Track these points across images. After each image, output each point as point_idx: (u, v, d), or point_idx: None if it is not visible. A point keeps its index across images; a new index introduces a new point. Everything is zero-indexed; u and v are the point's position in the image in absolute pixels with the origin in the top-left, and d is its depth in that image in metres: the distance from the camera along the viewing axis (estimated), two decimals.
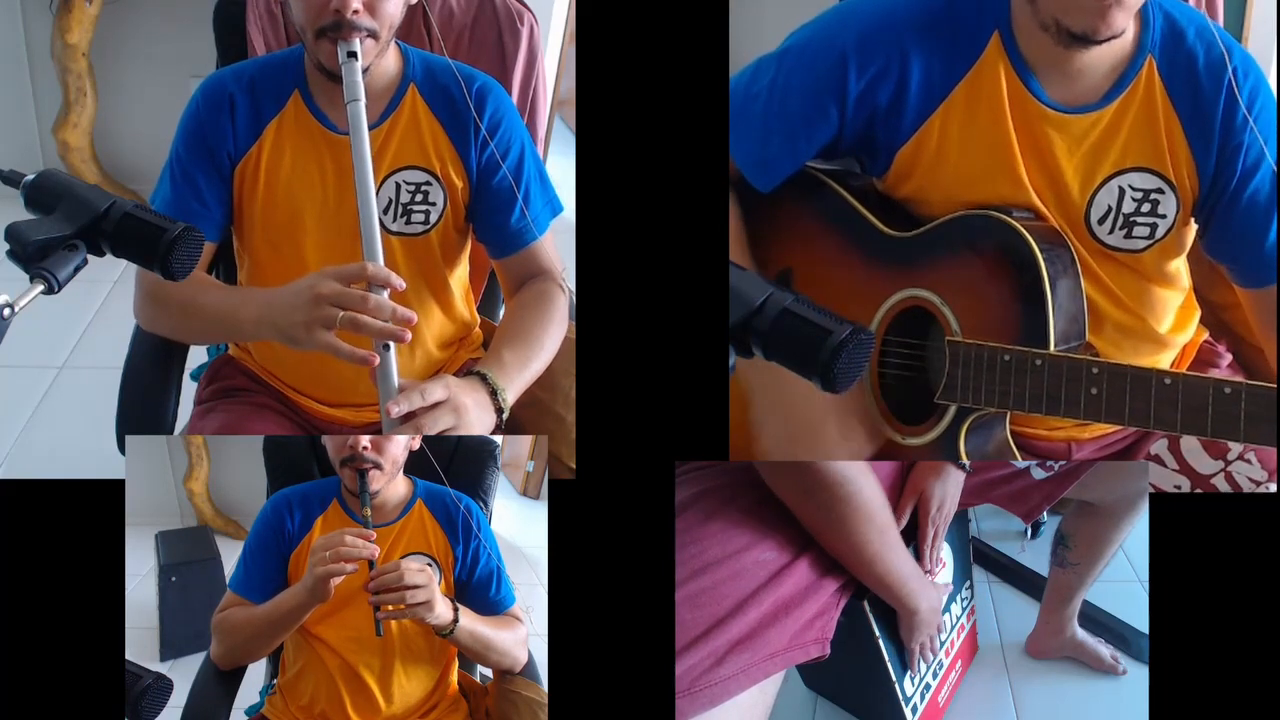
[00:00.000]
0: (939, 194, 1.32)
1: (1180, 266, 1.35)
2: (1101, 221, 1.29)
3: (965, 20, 1.28)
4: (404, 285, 1.27)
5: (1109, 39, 1.19)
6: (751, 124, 1.36)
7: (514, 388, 1.37)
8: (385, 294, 1.25)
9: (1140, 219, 1.29)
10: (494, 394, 1.34)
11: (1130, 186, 1.28)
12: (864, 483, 1.27)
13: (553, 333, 1.46)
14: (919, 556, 1.46)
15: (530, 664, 1.52)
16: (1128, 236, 1.30)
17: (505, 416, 1.35)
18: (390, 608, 1.36)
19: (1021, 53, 1.26)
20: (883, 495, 1.31)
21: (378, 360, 1.24)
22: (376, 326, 1.23)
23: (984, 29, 1.27)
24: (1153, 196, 1.28)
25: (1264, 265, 1.30)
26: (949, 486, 1.43)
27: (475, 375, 1.35)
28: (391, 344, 1.26)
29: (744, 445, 1.40)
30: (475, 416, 1.30)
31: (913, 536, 1.45)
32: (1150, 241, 1.30)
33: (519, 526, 3.06)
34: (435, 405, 1.27)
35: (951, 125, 1.29)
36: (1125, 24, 1.18)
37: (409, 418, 1.26)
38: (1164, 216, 1.29)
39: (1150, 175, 1.28)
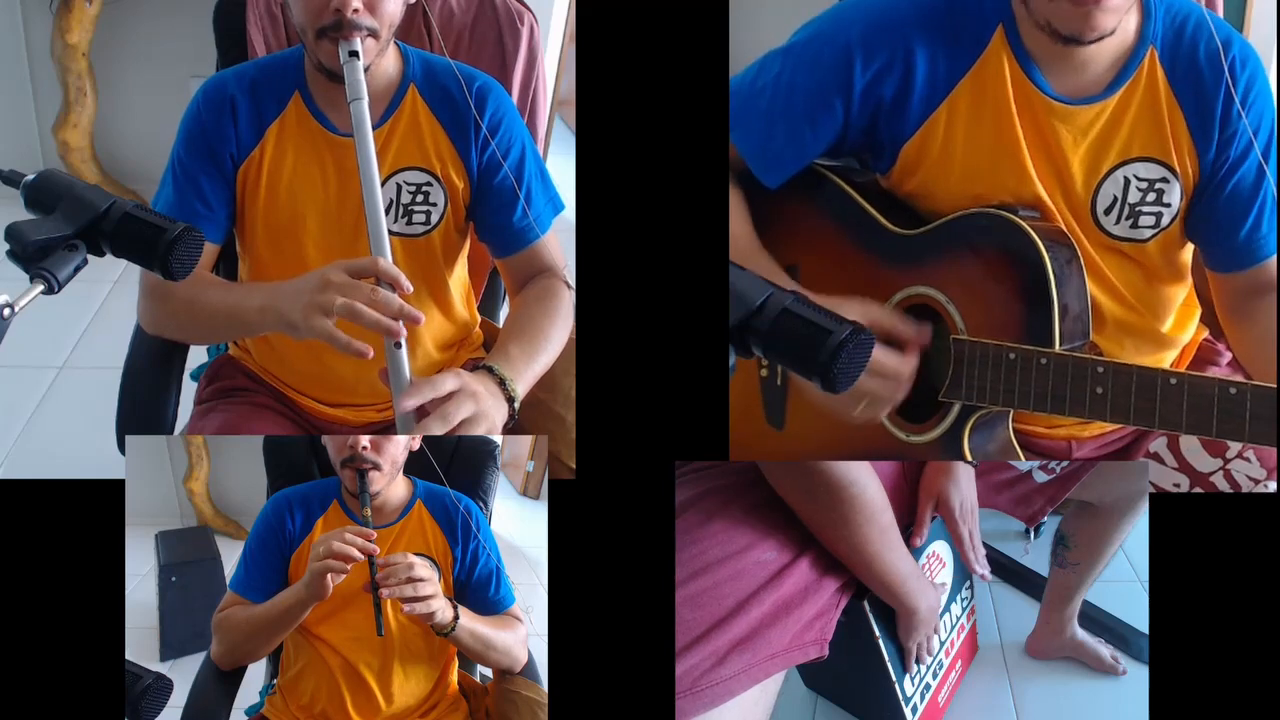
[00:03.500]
0: (944, 189, 1.32)
1: (1185, 259, 1.36)
2: (1108, 212, 1.30)
3: (969, 14, 1.28)
4: (411, 288, 1.26)
5: (1099, 39, 1.20)
6: (757, 119, 1.36)
7: (523, 380, 1.36)
8: (394, 293, 1.25)
9: (1146, 208, 1.30)
10: (503, 384, 1.33)
11: (1135, 176, 1.29)
12: (866, 483, 1.27)
13: (559, 327, 1.46)
14: (965, 561, 1.47)
15: (530, 664, 1.51)
16: (1134, 226, 1.30)
17: (517, 407, 1.34)
18: (398, 599, 1.36)
19: (1025, 46, 1.27)
20: (885, 495, 1.31)
21: (371, 352, 1.23)
22: (372, 317, 1.22)
23: (988, 23, 1.28)
24: (1157, 186, 1.29)
25: (1236, 253, 1.32)
26: (963, 485, 1.43)
27: (482, 368, 1.35)
28: (403, 342, 1.25)
29: (750, 439, 1.40)
30: (491, 404, 1.29)
31: (909, 538, 1.46)
32: (1156, 230, 1.31)
33: (519, 526, 3.06)
34: (451, 395, 1.25)
35: (957, 119, 1.29)
36: (1113, 24, 1.19)
37: (423, 412, 1.25)
38: (1169, 205, 1.30)
39: (1155, 165, 1.28)
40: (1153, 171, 1.29)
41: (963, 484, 1.42)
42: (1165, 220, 1.30)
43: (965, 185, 1.31)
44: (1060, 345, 1.22)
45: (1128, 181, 1.29)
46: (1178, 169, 1.28)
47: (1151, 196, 1.29)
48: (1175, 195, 1.29)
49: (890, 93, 1.30)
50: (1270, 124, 1.27)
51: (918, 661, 1.51)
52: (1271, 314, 1.31)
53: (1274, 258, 1.32)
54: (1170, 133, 1.27)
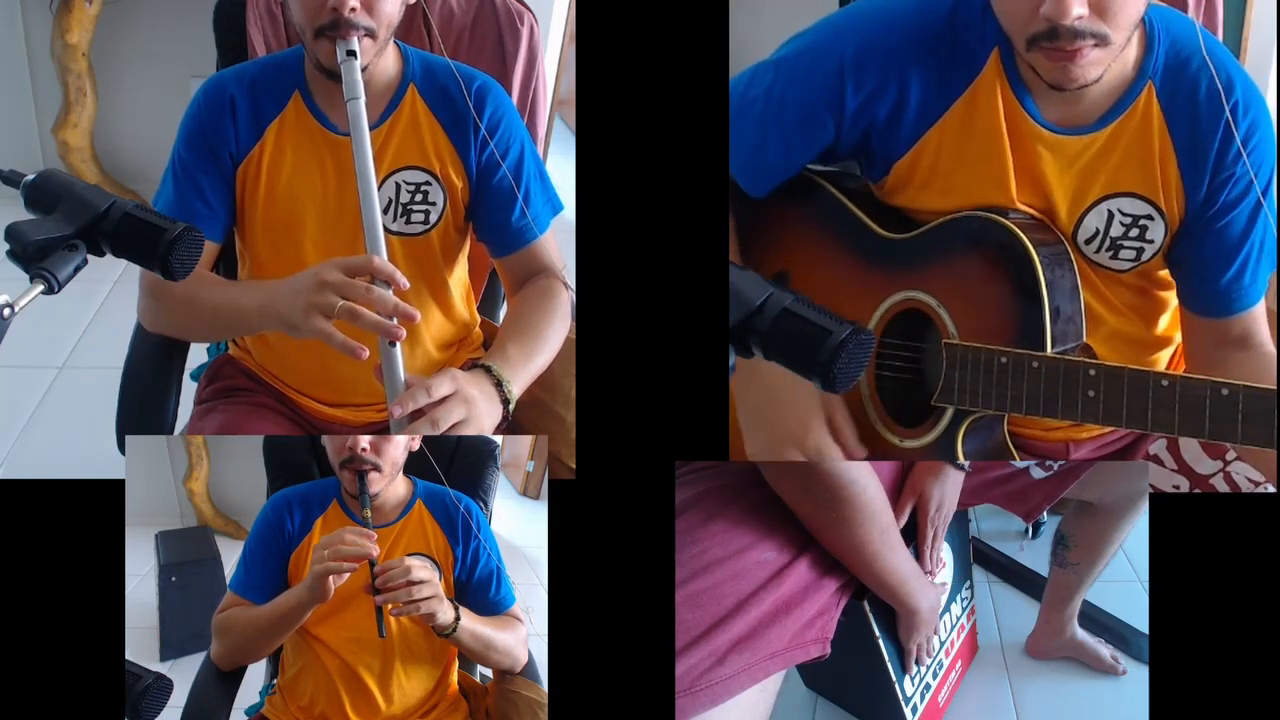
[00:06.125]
0: (932, 205, 1.32)
1: (1166, 276, 1.34)
2: (1089, 242, 1.29)
3: (966, 38, 1.27)
4: (408, 284, 1.26)
5: (1083, 87, 1.18)
6: (745, 130, 1.36)
7: (519, 381, 1.37)
8: (389, 290, 1.25)
9: (1127, 243, 1.28)
10: (499, 385, 1.34)
11: (1120, 211, 1.27)
12: (866, 483, 1.27)
13: (556, 327, 1.46)
14: (919, 557, 1.46)
15: (530, 664, 1.52)
16: (1113, 258, 1.29)
17: (511, 409, 1.34)
18: (396, 605, 1.36)
19: (1019, 72, 1.26)
20: (884, 495, 1.31)
21: (366, 353, 1.23)
22: (372, 319, 1.22)
23: (984, 46, 1.26)
24: (1141, 222, 1.27)
25: (1214, 298, 1.29)
26: (947, 487, 1.43)
27: (480, 368, 1.35)
28: (397, 341, 1.26)
29: (740, 446, 1.40)
30: (484, 409, 1.30)
31: (912, 537, 1.45)
32: (1134, 264, 1.30)
33: (519, 526, 3.06)
34: (444, 399, 1.26)
35: (947, 140, 1.29)
36: (1095, 75, 1.17)
37: (417, 415, 1.25)
38: (1151, 242, 1.28)
39: (1140, 201, 1.27)
40: (1138, 208, 1.27)
41: (947, 485, 1.42)
42: (1146, 255, 1.29)
43: (951, 204, 1.30)
44: (1052, 347, 1.22)
45: (1111, 215, 1.27)
46: (1164, 207, 1.27)
47: (1135, 232, 1.28)
48: (1159, 233, 1.28)
49: (883, 113, 1.29)
50: (1270, 171, 1.25)
51: (918, 662, 1.51)
52: (1241, 371, 1.24)
53: (1251, 310, 1.29)
54: (1160, 170, 1.25)
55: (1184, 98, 1.24)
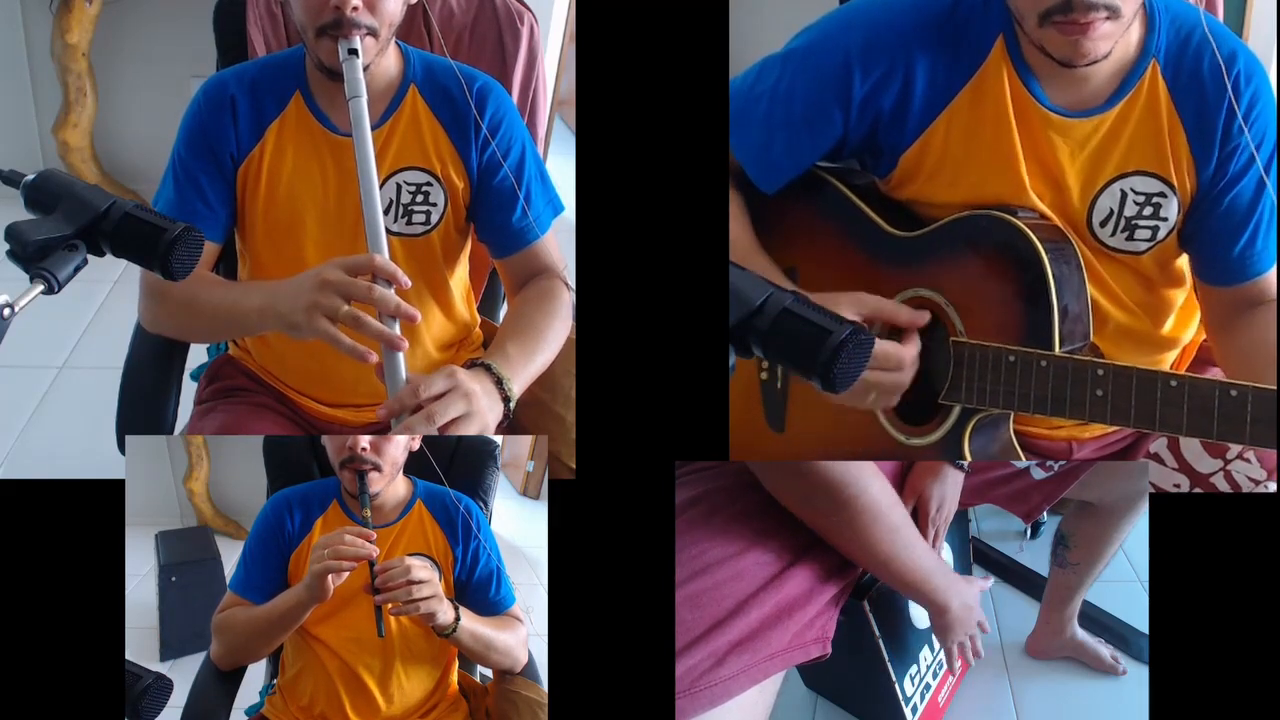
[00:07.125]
0: (941, 197, 1.32)
1: (1183, 264, 1.35)
2: (1103, 224, 1.29)
3: (970, 24, 1.28)
4: (409, 283, 1.26)
5: (1093, 63, 1.19)
6: (754, 125, 1.36)
7: (520, 379, 1.37)
8: (391, 289, 1.25)
9: (1142, 222, 1.29)
10: (500, 383, 1.33)
11: (1132, 190, 1.28)
12: (867, 484, 1.26)
13: (557, 328, 1.46)
14: None
15: (530, 664, 1.52)
16: (1129, 239, 1.30)
17: (513, 407, 1.34)
18: (396, 602, 1.36)
19: (1024, 57, 1.26)
20: (892, 494, 1.30)
21: (374, 357, 1.23)
22: (375, 328, 1.23)
23: (989, 33, 1.27)
24: (1155, 200, 1.28)
25: (1230, 267, 1.30)
26: (948, 487, 1.42)
27: (480, 366, 1.35)
28: (399, 352, 1.25)
29: (750, 443, 1.41)
30: (485, 404, 1.29)
31: None
32: (1151, 244, 1.30)
33: (519, 526, 3.06)
34: (442, 394, 1.25)
35: (955, 130, 1.29)
36: (1105, 49, 1.18)
37: (417, 410, 1.25)
38: (1165, 219, 1.29)
39: (1152, 179, 1.28)
40: (1150, 186, 1.28)
41: (947, 485, 1.42)
42: (1161, 234, 1.29)
43: (961, 194, 1.30)
44: (1060, 346, 1.22)
45: (1124, 195, 1.28)
46: (1175, 183, 1.27)
47: (1149, 210, 1.28)
48: (1172, 209, 1.28)
49: (889, 103, 1.29)
50: (1272, 140, 1.26)
51: (960, 660, 1.49)
52: (1260, 328, 1.29)
53: (1266, 274, 1.30)
54: (1170, 147, 1.26)
55: (1188, 73, 1.25)
